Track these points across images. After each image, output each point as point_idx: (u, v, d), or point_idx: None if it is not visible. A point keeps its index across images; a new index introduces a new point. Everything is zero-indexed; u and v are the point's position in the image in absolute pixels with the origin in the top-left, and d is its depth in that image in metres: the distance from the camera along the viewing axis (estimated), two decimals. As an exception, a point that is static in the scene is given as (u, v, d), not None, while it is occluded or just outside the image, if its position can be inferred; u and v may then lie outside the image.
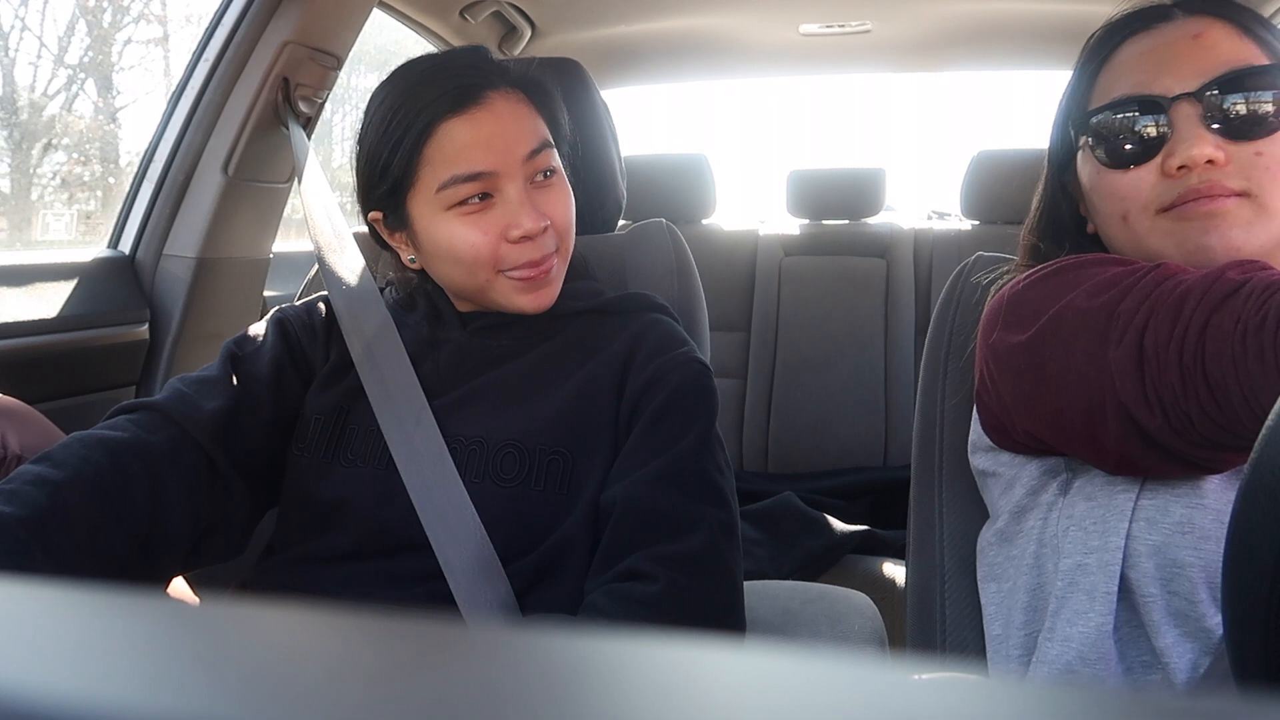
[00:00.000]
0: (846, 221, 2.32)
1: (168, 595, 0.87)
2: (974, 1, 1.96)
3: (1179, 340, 0.58)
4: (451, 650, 0.19)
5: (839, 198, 2.30)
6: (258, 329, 0.93)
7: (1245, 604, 0.36)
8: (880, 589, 1.53)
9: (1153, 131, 0.72)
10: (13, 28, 1.89)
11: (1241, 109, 0.71)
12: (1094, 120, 0.76)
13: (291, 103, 1.42)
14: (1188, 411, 0.59)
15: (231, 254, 1.49)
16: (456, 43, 1.93)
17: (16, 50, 1.88)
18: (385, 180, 0.84)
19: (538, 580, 0.80)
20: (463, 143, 0.81)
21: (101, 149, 2.16)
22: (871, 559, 1.64)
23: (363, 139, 0.87)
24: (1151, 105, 0.73)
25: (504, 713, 0.15)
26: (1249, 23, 0.74)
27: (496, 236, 0.82)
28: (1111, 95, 0.76)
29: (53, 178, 2.05)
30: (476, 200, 0.82)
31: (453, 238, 0.83)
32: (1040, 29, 2.08)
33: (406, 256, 0.91)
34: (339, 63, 1.50)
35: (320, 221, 1.03)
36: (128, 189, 1.48)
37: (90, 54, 2.14)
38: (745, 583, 0.81)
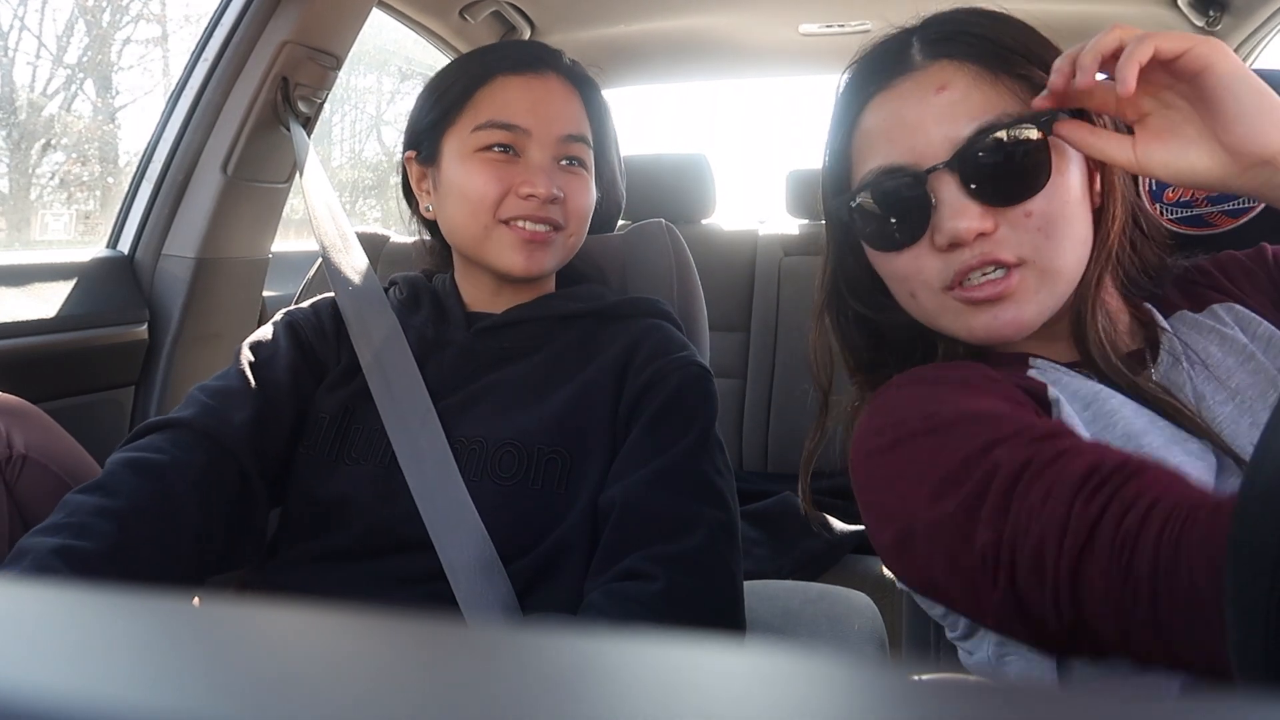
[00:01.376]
0: None
1: (168, 596, 0.87)
2: (973, 1, 1.96)
3: (1052, 593, 0.50)
4: (451, 650, 0.19)
5: None
6: (267, 333, 0.93)
7: (1245, 604, 0.36)
8: (880, 589, 1.52)
9: (915, 209, 0.65)
10: (12, 27, 1.89)
11: (1001, 171, 0.63)
12: (853, 204, 0.69)
13: (291, 102, 1.42)
14: (1090, 652, 0.51)
15: (231, 254, 1.49)
16: (456, 43, 1.93)
17: (15, 50, 1.88)
18: (435, 110, 0.91)
19: (538, 580, 0.80)
20: (511, 96, 0.89)
21: (100, 149, 2.16)
22: (871, 559, 1.64)
23: (429, 84, 0.95)
24: (907, 181, 0.65)
25: (504, 713, 0.15)
26: (995, 61, 0.66)
27: (507, 187, 0.87)
28: (865, 170, 0.68)
29: (51, 178, 2.05)
30: (501, 150, 0.87)
31: (469, 176, 0.88)
32: (1040, 29, 2.07)
33: (424, 204, 0.95)
34: (338, 62, 1.50)
35: (324, 221, 1.03)
36: (126, 189, 1.48)
37: (89, 54, 2.14)
38: (745, 583, 0.81)
